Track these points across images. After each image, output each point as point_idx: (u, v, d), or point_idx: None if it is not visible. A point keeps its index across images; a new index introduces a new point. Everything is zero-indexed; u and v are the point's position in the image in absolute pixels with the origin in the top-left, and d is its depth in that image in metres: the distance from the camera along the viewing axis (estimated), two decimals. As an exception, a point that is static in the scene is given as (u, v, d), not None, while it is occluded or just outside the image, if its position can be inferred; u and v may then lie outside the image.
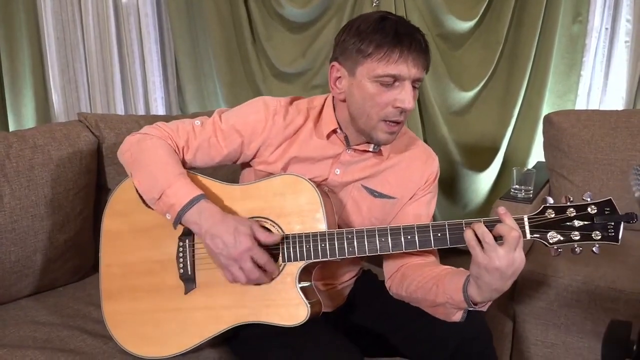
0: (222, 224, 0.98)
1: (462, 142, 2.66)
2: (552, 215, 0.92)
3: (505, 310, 1.64)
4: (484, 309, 0.98)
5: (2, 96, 2.51)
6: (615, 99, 2.53)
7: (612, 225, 0.89)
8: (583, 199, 0.91)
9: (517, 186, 1.76)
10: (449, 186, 2.75)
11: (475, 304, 0.95)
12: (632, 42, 2.47)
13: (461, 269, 1.02)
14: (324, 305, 1.09)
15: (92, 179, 1.42)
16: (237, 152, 1.12)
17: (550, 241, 0.91)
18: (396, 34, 0.99)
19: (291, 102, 1.14)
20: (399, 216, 1.17)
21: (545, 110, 2.57)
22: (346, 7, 2.47)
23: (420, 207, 1.17)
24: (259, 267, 0.97)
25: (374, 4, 2.43)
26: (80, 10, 2.46)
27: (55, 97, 2.54)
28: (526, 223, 0.93)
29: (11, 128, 2.56)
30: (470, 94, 2.61)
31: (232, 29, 2.59)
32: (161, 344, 1.05)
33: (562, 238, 0.91)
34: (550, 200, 0.93)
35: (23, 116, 2.55)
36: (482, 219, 0.93)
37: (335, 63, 1.07)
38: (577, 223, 0.90)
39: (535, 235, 0.92)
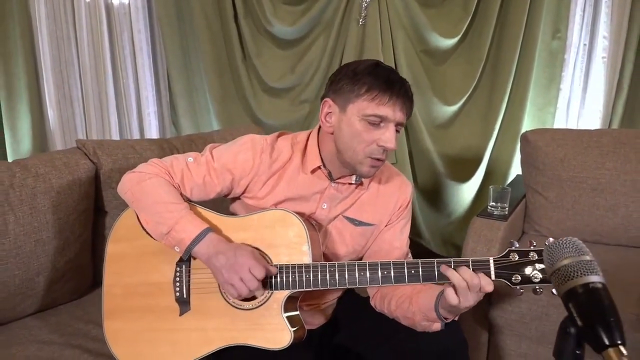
0: (226, 245, 1.09)
1: (446, 154, 2.75)
2: (516, 258, 0.99)
3: (481, 322, 1.73)
4: (456, 318, 1.12)
5: (-2, 111, 2.56)
6: (593, 112, 2.64)
7: None
8: (545, 244, 0.99)
9: (493, 203, 1.86)
10: (434, 197, 2.84)
11: (446, 319, 1.09)
12: (608, 58, 2.58)
13: (430, 284, 1.12)
14: (308, 323, 1.19)
15: (91, 204, 1.50)
16: (228, 189, 1.20)
17: (514, 282, 0.99)
18: (388, 80, 1.08)
19: (277, 139, 1.22)
20: (377, 241, 1.27)
21: (527, 122, 2.68)
22: (333, 25, 2.55)
23: (395, 234, 1.27)
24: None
25: (360, 23, 2.52)
26: (74, 27, 2.52)
27: (51, 112, 2.60)
28: (492, 265, 1.00)
29: (7, 143, 2.60)
30: (454, 107, 2.71)
31: (222, 46, 2.67)
32: None
33: (524, 280, 0.99)
34: (516, 244, 1.00)
35: (19, 130, 2.60)
36: (452, 259, 1.02)
37: (327, 99, 1.16)
38: (538, 266, 0.97)
39: (500, 277, 1.00)
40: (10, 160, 2.48)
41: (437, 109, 2.70)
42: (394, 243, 1.27)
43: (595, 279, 0.56)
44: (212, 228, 1.12)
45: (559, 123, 2.69)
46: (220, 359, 1.19)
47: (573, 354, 0.55)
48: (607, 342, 0.50)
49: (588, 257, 0.59)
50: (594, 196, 1.91)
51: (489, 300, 1.68)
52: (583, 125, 2.66)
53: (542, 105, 2.68)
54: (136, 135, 2.72)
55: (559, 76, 2.63)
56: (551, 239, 0.67)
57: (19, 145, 2.63)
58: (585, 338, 0.54)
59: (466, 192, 2.79)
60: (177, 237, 1.10)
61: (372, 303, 1.27)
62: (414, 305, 1.13)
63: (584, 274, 0.57)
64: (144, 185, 1.15)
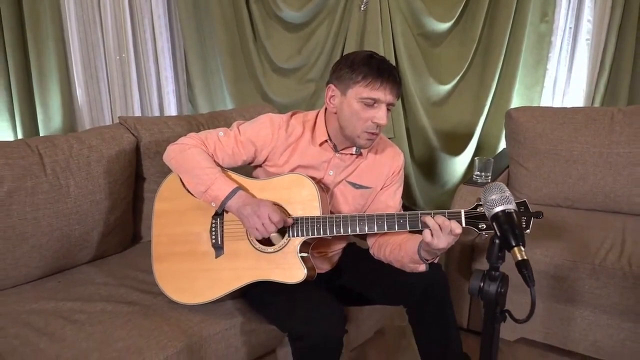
0: (251, 199, 1.36)
1: (440, 129, 3.00)
2: (482, 211, 1.23)
3: (465, 274, 2.01)
4: (435, 261, 1.39)
5: (30, 90, 2.80)
6: (577, 90, 2.87)
7: (525, 218, 1.21)
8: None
9: (478, 173, 2.12)
10: (429, 169, 3.10)
11: (427, 260, 1.36)
12: (592, 40, 2.79)
13: (415, 235, 1.39)
14: (318, 268, 1.47)
15: (133, 171, 1.76)
16: (252, 158, 1.47)
17: (480, 228, 1.24)
18: (379, 69, 1.33)
19: (291, 117, 1.48)
20: (374, 202, 1.54)
21: (515, 100, 2.91)
22: (337, 10, 2.77)
23: (388, 196, 1.54)
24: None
25: (362, 9, 2.74)
26: (100, 12, 2.75)
27: (79, 91, 2.84)
28: (462, 215, 1.26)
29: (39, 119, 2.84)
30: (448, 86, 2.94)
31: (235, 29, 2.90)
32: (196, 294, 1.41)
33: (488, 227, 1.23)
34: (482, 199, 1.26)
35: (50, 108, 2.84)
36: (432, 212, 1.28)
37: (331, 85, 1.41)
38: None
39: (469, 224, 1.25)
40: (42, 135, 2.74)
41: (433, 88, 2.94)
42: (389, 203, 1.54)
43: (511, 206, 0.86)
44: (241, 187, 1.39)
45: (546, 101, 2.91)
46: (250, 293, 1.47)
47: (497, 256, 0.82)
48: (513, 244, 0.78)
49: (507, 194, 0.89)
50: (567, 167, 2.16)
51: (472, 255, 1.95)
52: (568, 103, 2.89)
53: (530, 84, 2.91)
54: (156, 112, 2.97)
55: (546, 57, 2.85)
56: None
57: (50, 122, 2.87)
58: (502, 244, 0.81)
59: (458, 164, 3.05)
60: (212, 195, 1.37)
61: (371, 252, 1.55)
62: (402, 250, 1.40)
63: (504, 204, 0.86)
64: (185, 154, 1.41)
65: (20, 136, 2.80)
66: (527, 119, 2.26)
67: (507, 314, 0.77)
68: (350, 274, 1.57)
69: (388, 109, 1.36)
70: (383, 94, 1.33)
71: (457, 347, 1.49)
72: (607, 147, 2.10)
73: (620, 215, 2.09)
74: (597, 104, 2.78)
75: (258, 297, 1.45)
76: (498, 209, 0.88)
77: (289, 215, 1.37)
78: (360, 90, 1.33)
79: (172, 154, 1.44)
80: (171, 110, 2.99)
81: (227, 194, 1.35)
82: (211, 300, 1.40)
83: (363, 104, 1.34)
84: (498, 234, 0.83)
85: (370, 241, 1.55)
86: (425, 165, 3.09)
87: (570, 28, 2.84)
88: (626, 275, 1.66)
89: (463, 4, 2.78)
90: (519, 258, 0.77)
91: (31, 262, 1.53)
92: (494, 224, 0.86)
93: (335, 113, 1.41)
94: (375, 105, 1.34)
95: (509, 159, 2.36)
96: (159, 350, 1.25)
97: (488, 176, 2.11)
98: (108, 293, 1.50)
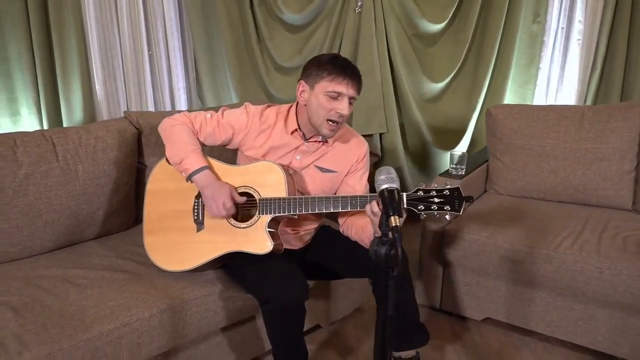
0: (214, 181, 1.58)
1: (433, 125, 3.15)
2: (421, 194, 1.43)
3: (437, 259, 2.18)
4: None
5: (55, 86, 3.07)
6: (570, 89, 2.98)
7: (457, 202, 1.39)
8: (443, 186, 1.42)
9: (453, 165, 2.28)
10: (422, 162, 3.25)
11: None
12: (583, 40, 2.89)
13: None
14: (291, 244, 1.69)
15: (134, 159, 1.99)
16: (229, 139, 1.70)
17: (418, 209, 1.42)
18: (342, 66, 1.55)
19: (266, 108, 1.70)
20: (342, 186, 1.74)
21: (508, 97, 3.03)
22: (334, 12, 2.95)
23: (355, 180, 1.74)
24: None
25: (357, 11, 2.91)
26: (117, 15, 3.00)
27: (98, 87, 3.10)
28: (404, 198, 1.43)
29: (63, 112, 3.11)
30: (441, 84, 3.09)
31: (240, 30, 3.12)
32: (181, 263, 1.64)
33: (425, 208, 1.42)
34: (423, 185, 1.44)
35: (72, 102, 3.11)
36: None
37: (302, 81, 1.62)
38: (436, 200, 1.40)
39: (409, 206, 1.43)
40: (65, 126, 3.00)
41: (426, 86, 3.08)
42: (356, 187, 1.73)
43: (393, 185, 1.09)
44: (216, 170, 1.61)
45: (539, 99, 3.02)
46: (228, 265, 1.69)
47: (385, 224, 1.01)
48: (391, 213, 0.98)
49: (392, 175, 1.11)
50: (540, 161, 2.30)
51: (442, 241, 2.12)
52: (561, 101, 2.99)
53: (523, 82, 3.03)
54: (168, 107, 3.22)
55: (539, 56, 2.96)
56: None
57: (72, 115, 3.15)
58: (385, 214, 1.01)
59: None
60: (184, 166, 1.60)
61: (341, 230, 1.75)
62: (364, 232, 1.60)
63: (388, 183, 1.08)
64: (174, 128, 1.65)
65: (46, 128, 3.08)
66: (504, 116, 2.40)
67: (391, 271, 0.96)
68: (320, 252, 1.77)
69: (350, 102, 1.57)
70: (345, 88, 1.53)
71: (414, 317, 1.68)
72: (576, 142, 2.23)
73: (588, 207, 2.22)
74: (589, 102, 2.89)
75: (236, 268, 1.67)
76: (384, 186, 1.11)
77: (260, 195, 1.58)
78: (326, 85, 1.54)
79: (165, 126, 1.68)
80: (181, 104, 3.23)
81: (195, 169, 1.58)
82: (193, 267, 1.62)
83: (328, 97, 1.54)
84: (381, 205, 1.04)
85: (340, 221, 1.75)
86: (419, 159, 3.24)
87: (563, 28, 2.93)
88: (576, 260, 1.81)
89: (455, 5, 2.92)
90: (393, 224, 0.98)
91: (45, 236, 1.78)
92: (380, 199, 1.07)
93: (305, 105, 1.62)
94: (339, 98, 1.54)
95: (489, 153, 2.50)
96: (145, 309, 1.48)
97: (463, 168, 2.26)
98: (109, 263, 1.73)
